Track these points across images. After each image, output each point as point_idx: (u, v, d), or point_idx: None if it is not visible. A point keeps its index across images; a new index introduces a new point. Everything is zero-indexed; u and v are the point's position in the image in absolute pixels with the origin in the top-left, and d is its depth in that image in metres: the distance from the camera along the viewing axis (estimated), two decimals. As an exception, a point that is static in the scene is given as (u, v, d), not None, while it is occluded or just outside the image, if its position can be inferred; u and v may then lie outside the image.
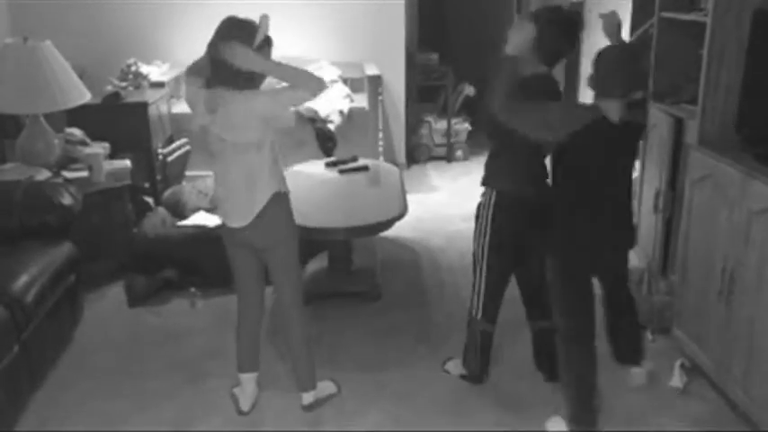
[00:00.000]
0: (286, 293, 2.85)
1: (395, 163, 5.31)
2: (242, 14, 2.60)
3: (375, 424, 2.89)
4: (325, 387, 3.03)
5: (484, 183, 2.90)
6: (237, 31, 2.54)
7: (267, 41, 2.61)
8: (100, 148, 4.28)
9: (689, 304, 3.17)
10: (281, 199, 2.72)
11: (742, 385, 2.76)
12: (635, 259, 4.26)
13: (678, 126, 3.68)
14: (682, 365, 3.15)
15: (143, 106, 4.61)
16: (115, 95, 4.67)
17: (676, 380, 3.09)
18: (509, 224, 2.85)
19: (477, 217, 2.93)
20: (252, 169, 2.64)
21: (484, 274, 2.92)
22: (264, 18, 2.56)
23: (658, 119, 3.87)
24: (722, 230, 2.85)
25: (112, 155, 4.37)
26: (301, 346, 2.91)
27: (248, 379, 2.98)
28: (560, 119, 2.59)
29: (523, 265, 3.01)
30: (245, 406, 2.96)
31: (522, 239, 2.90)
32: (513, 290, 3.05)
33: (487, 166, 2.92)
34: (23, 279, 2.99)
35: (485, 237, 2.88)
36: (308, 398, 2.95)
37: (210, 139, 2.66)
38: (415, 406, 2.99)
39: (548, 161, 2.86)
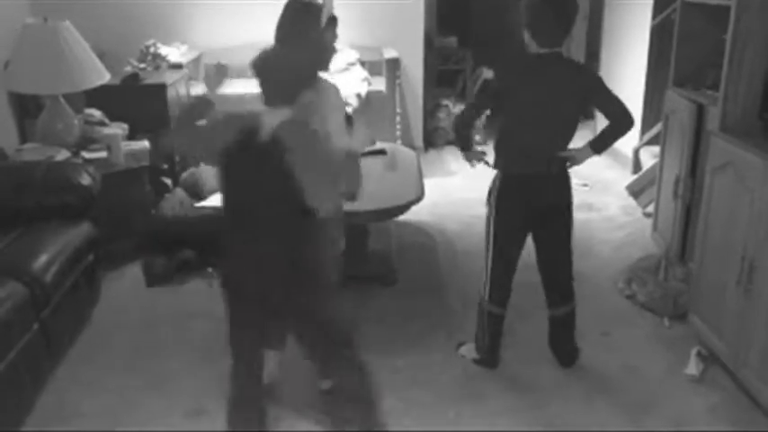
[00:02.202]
0: None
1: (412, 147, 5.29)
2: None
3: (389, 407, 2.90)
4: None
5: (494, 166, 2.93)
6: (305, 16, 2.56)
7: (333, 20, 2.62)
8: (119, 128, 4.31)
9: (706, 292, 3.14)
10: None
11: (759, 374, 2.74)
12: (653, 245, 4.24)
13: (699, 112, 3.64)
14: (698, 353, 3.14)
15: (162, 87, 4.62)
16: (134, 76, 4.69)
17: (692, 368, 3.07)
18: (514, 207, 2.86)
19: (487, 200, 2.95)
20: None
21: (490, 257, 2.96)
22: None
23: (679, 105, 3.83)
24: (742, 218, 2.82)
25: (131, 136, 4.39)
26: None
27: (271, 356, 3.00)
28: None
29: (539, 250, 3.01)
30: None
31: (530, 222, 2.91)
32: (532, 275, 3.05)
33: (494, 149, 2.93)
34: (43, 258, 3.02)
35: (491, 220, 2.91)
36: (326, 383, 2.96)
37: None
38: (430, 390, 3.00)
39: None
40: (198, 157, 2.83)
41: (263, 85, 2.13)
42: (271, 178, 2.10)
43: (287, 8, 2.61)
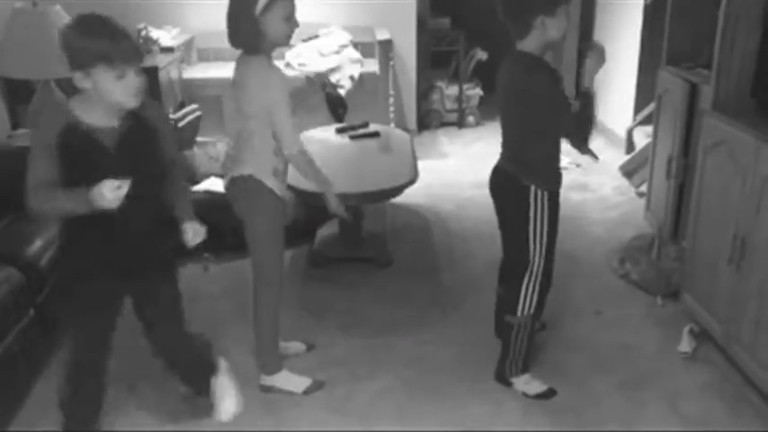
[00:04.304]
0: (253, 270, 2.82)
1: (406, 129, 5.29)
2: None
3: (385, 386, 2.93)
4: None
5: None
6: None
7: None
8: (111, 113, 4.28)
9: (699, 270, 3.16)
10: (250, 182, 2.69)
11: (750, 351, 2.76)
12: (646, 225, 4.26)
13: (692, 91, 3.64)
14: (690, 331, 3.16)
15: (153, 71, 4.59)
16: (125, 60, 4.66)
17: (685, 345, 3.10)
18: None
19: None
20: (240, 140, 2.68)
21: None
22: None
23: (672, 84, 3.83)
24: (735, 197, 2.83)
25: (123, 120, 4.36)
26: (255, 327, 2.89)
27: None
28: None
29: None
30: None
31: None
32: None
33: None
34: (37, 243, 3.02)
35: None
36: (261, 379, 2.93)
37: (226, 101, 2.69)
38: (425, 370, 3.02)
39: None
40: None
41: None
42: None
43: None
